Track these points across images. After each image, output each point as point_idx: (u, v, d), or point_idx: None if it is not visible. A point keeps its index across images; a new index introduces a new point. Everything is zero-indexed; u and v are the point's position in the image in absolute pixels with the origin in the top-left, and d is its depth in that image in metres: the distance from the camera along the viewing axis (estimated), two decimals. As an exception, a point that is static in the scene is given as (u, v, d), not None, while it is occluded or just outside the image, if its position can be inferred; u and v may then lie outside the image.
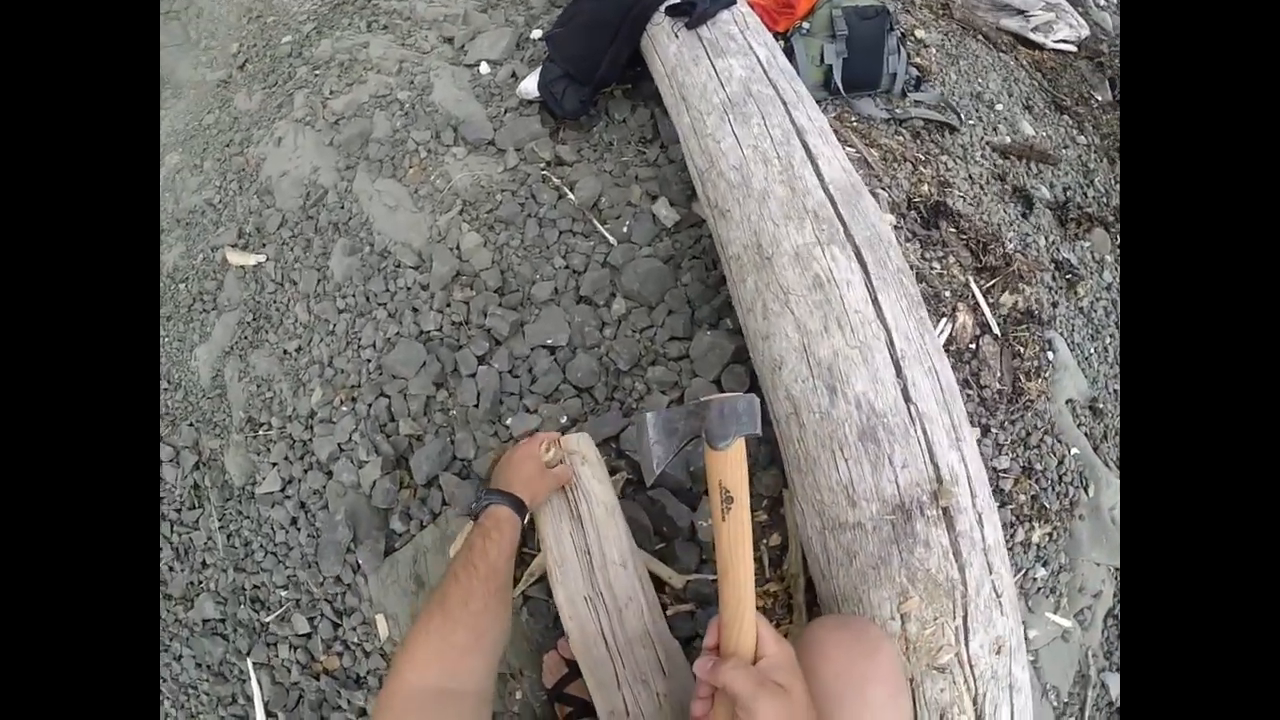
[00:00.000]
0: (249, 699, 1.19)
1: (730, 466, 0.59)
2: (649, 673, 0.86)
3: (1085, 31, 1.82)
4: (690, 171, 1.19)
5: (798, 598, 1.00)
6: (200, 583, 1.30)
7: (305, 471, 1.26)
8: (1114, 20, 2.01)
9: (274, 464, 1.29)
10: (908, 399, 0.81)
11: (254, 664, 1.19)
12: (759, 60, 1.14)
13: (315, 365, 1.35)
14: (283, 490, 1.27)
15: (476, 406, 1.21)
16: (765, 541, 1.05)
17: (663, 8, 1.24)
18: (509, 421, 1.18)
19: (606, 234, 1.32)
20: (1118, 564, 1.11)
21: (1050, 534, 1.07)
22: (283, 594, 1.21)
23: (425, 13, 1.75)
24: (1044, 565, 1.09)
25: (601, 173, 1.41)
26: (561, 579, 0.91)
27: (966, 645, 0.75)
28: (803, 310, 0.88)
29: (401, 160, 1.50)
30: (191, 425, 1.39)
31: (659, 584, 1.01)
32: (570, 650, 1.02)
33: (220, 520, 1.31)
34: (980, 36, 1.76)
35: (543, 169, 1.43)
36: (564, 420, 1.17)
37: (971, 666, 0.75)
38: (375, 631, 1.13)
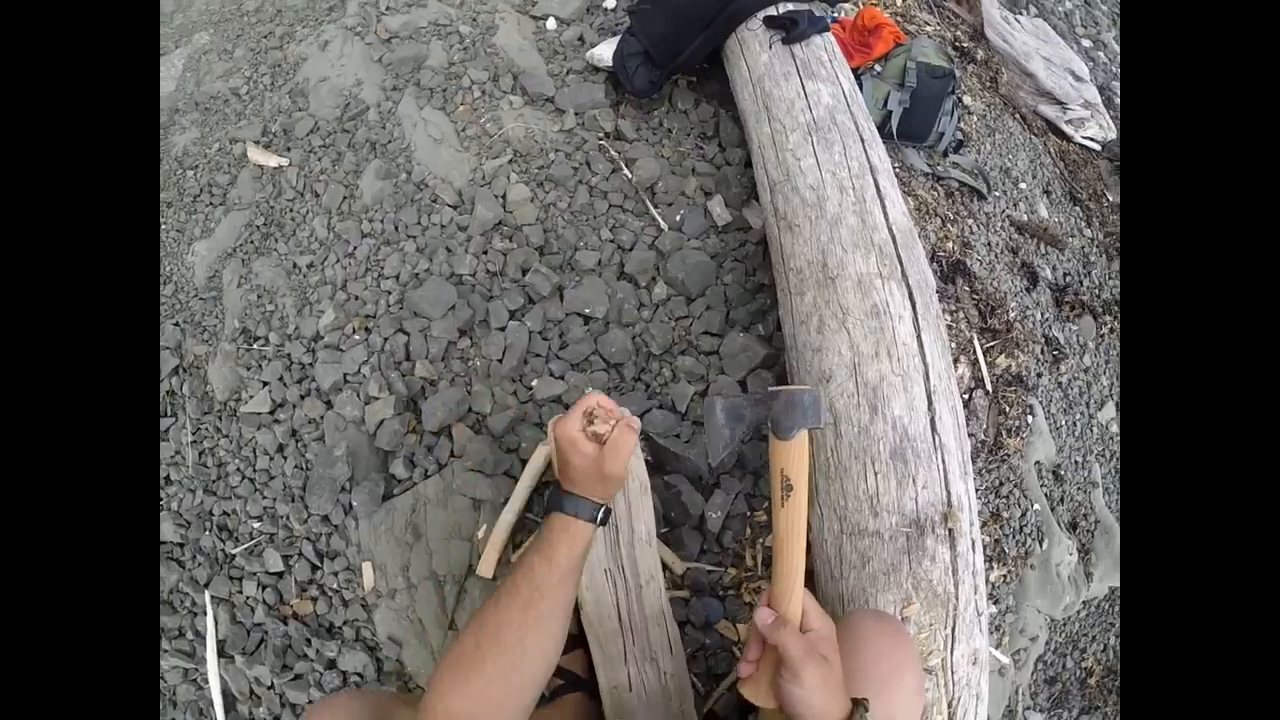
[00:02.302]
0: (199, 635, 1.19)
1: (793, 456, 0.66)
2: (659, 651, 0.96)
3: (1113, 134, 2.13)
4: (758, 178, 1.33)
5: (789, 597, 1.16)
6: (160, 500, 1.29)
7: (302, 397, 1.28)
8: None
9: (265, 383, 1.30)
10: (934, 429, 0.99)
11: (212, 597, 1.20)
12: (844, 91, 1.30)
13: (327, 286, 1.38)
14: (272, 413, 1.28)
15: (500, 361, 1.29)
16: (761, 541, 1.20)
17: (760, 15, 1.38)
18: (533, 383, 1.27)
19: (659, 218, 1.44)
20: (1056, 615, 1.35)
21: (1005, 576, 1.29)
22: (256, 525, 1.23)
23: (499, -50, 1.80)
24: (995, 603, 1.31)
25: (660, 157, 1.52)
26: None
27: (951, 652, 0.92)
28: (859, 333, 1.04)
29: (454, 95, 1.56)
30: (177, 325, 1.38)
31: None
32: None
33: (194, 435, 1.30)
34: (1018, 116, 2.03)
35: (600, 139, 1.53)
36: (588, 392, 1.27)
37: (953, 672, 0.92)
38: (359, 580, 1.16)
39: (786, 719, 0.63)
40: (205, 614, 1.18)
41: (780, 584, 0.67)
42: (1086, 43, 2.69)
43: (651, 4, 1.49)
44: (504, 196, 1.44)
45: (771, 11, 1.37)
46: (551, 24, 1.71)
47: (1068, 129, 2.13)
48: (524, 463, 1.19)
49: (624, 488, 1.02)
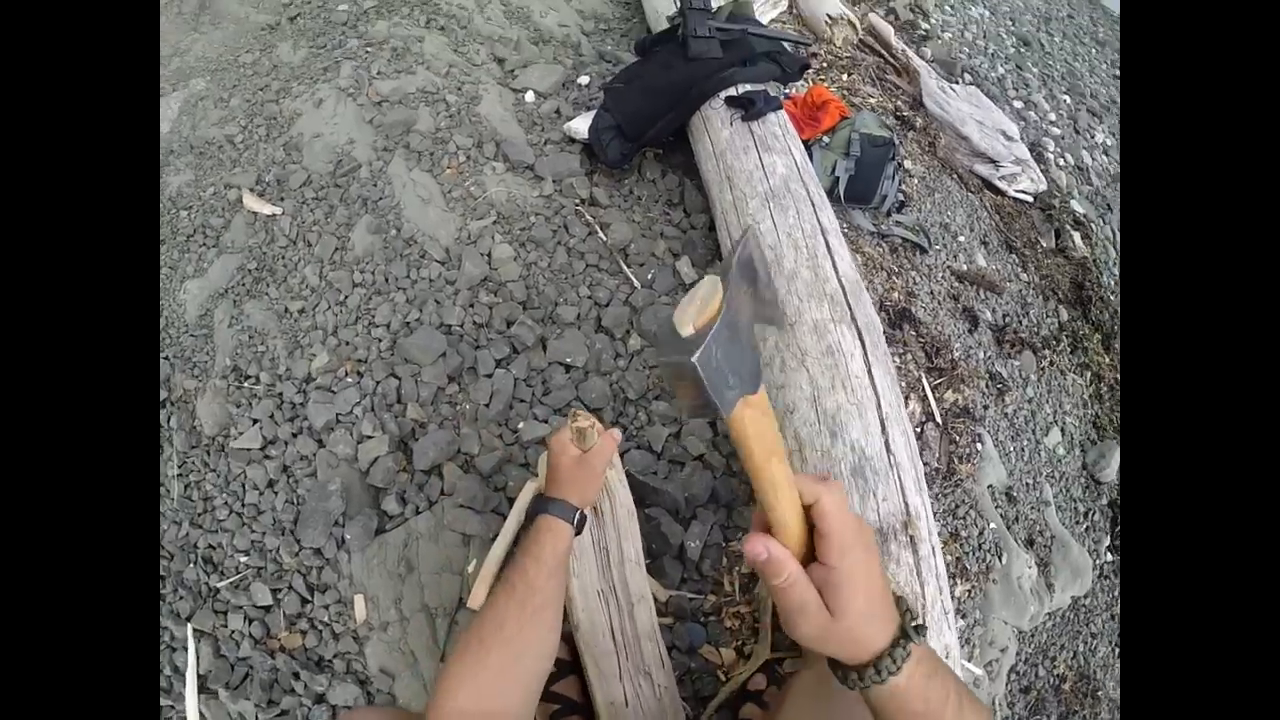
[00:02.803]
0: (178, 670, 1.23)
1: (734, 431, 0.50)
2: (653, 666, 1.06)
3: (1043, 186, 2.46)
4: (722, 240, 1.54)
5: (765, 620, 1.28)
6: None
7: (294, 435, 1.38)
8: (1068, 179, 2.72)
9: (255, 420, 1.40)
10: (889, 449, 1.16)
11: (194, 630, 1.25)
12: (796, 162, 1.54)
13: (318, 331, 1.50)
14: (263, 449, 1.38)
15: (488, 406, 1.42)
16: (737, 569, 1.34)
17: (722, 95, 1.63)
18: (519, 426, 1.40)
19: (632, 277, 1.63)
20: (1023, 626, 1.51)
21: (969, 591, 1.44)
22: (243, 559, 1.29)
23: (482, 27, 2.05)
24: (963, 617, 1.45)
25: (631, 221, 1.73)
26: (577, 572, 1.10)
27: (923, 648, 1.06)
28: (816, 370, 1.22)
29: (440, 159, 1.74)
30: (167, 359, 1.47)
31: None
32: (561, 649, 1.21)
33: (180, 468, 1.37)
34: (955, 175, 2.34)
35: (577, 204, 1.73)
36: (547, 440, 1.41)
37: (922, 668, 1.06)
38: (351, 612, 1.23)
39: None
40: (185, 649, 1.22)
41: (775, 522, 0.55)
42: (1018, 104, 3.06)
43: (625, 83, 1.73)
44: (489, 255, 1.61)
45: (732, 92, 1.63)
46: (530, 97, 1.93)
47: (1001, 184, 2.44)
48: (511, 501, 1.31)
49: (613, 511, 1.15)
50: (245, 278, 1.56)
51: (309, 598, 1.26)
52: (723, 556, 1.33)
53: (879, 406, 1.20)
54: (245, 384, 1.44)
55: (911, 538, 1.08)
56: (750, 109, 1.55)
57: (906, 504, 1.11)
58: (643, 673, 1.05)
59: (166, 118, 1.83)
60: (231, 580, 1.28)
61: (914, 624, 0.56)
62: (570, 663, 1.15)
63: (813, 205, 1.46)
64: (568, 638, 1.13)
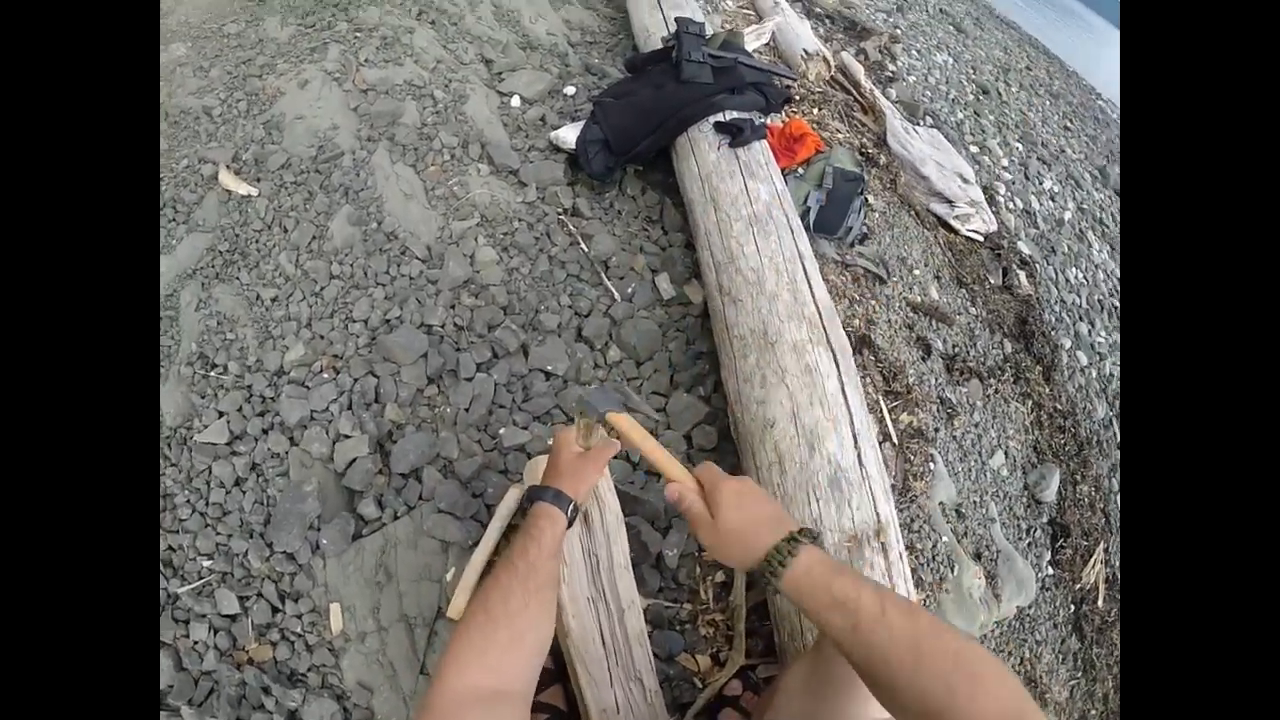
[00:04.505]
0: None
1: (611, 423, 1.03)
2: (643, 672, 1.12)
3: (994, 227, 2.74)
4: (703, 259, 1.67)
5: (738, 627, 1.39)
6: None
7: (264, 431, 1.39)
8: (1016, 222, 3.03)
9: (222, 413, 1.39)
10: (861, 463, 1.31)
11: None
12: (777, 190, 1.70)
13: (291, 322, 1.51)
14: (230, 445, 1.37)
15: (468, 410, 1.48)
16: (711, 578, 1.45)
17: (710, 120, 1.77)
18: (500, 432, 1.47)
19: (613, 289, 1.73)
20: (974, 632, 1.68)
21: (924, 600, 1.61)
22: (206, 563, 1.27)
23: (472, 26, 2.11)
24: None
25: (612, 235, 1.83)
26: (567, 579, 1.16)
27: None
28: (796, 386, 1.37)
29: (425, 154, 1.80)
30: None
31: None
32: (546, 659, 1.26)
33: (137, 463, 1.35)
34: (913, 212, 2.58)
35: (560, 214, 1.82)
36: (550, 443, 1.49)
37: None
38: (325, 622, 1.22)
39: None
40: (143, 662, 1.20)
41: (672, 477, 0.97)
42: (974, 148, 3.36)
43: (615, 98, 1.85)
44: (472, 257, 1.67)
45: (720, 118, 1.77)
46: (516, 101, 2.02)
47: (955, 224, 2.69)
48: (490, 508, 1.37)
49: (602, 518, 1.24)
50: (215, 259, 1.55)
51: (280, 606, 1.24)
52: (697, 566, 1.43)
53: (852, 423, 1.35)
54: (212, 373, 1.43)
55: (883, 544, 1.23)
56: (738, 136, 1.70)
57: (878, 513, 1.26)
58: (633, 678, 1.11)
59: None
60: (194, 586, 1.25)
61: (801, 530, 0.78)
62: (554, 671, 1.20)
63: (791, 232, 1.62)
64: (552, 647, 1.19)
